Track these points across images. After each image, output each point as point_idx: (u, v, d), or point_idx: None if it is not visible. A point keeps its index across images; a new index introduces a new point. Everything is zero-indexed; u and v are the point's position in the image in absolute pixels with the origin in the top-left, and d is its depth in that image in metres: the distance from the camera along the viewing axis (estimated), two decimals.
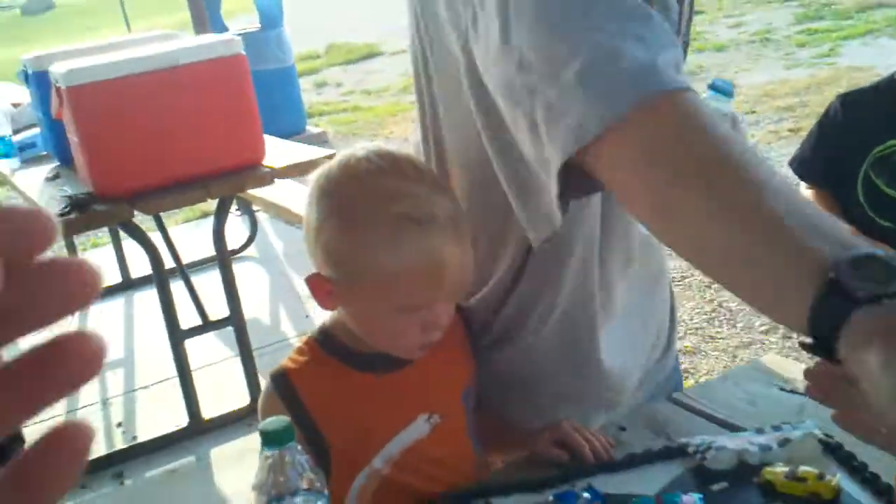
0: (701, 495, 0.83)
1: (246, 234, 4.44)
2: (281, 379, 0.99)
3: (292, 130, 5.16)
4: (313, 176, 0.95)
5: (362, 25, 12.37)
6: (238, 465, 2.76)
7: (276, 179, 2.71)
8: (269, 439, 0.77)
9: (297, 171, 2.70)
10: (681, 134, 0.62)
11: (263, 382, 3.71)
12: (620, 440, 1.11)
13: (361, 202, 0.90)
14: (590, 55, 0.66)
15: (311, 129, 6.31)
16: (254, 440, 3.08)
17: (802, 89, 6.01)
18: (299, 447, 0.79)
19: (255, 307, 3.68)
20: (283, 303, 4.04)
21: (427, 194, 0.91)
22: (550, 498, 0.84)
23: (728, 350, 3.10)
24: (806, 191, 1.64)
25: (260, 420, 1.01)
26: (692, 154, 0.61)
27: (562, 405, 1.09)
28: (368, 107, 7.98)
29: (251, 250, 4.52)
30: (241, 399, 3.04)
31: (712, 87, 1.17)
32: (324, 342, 1.01)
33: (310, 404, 0.98)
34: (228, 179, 2.66)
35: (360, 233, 0.90)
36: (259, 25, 5.78)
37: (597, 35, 0.68)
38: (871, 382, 0.48)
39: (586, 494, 0.84)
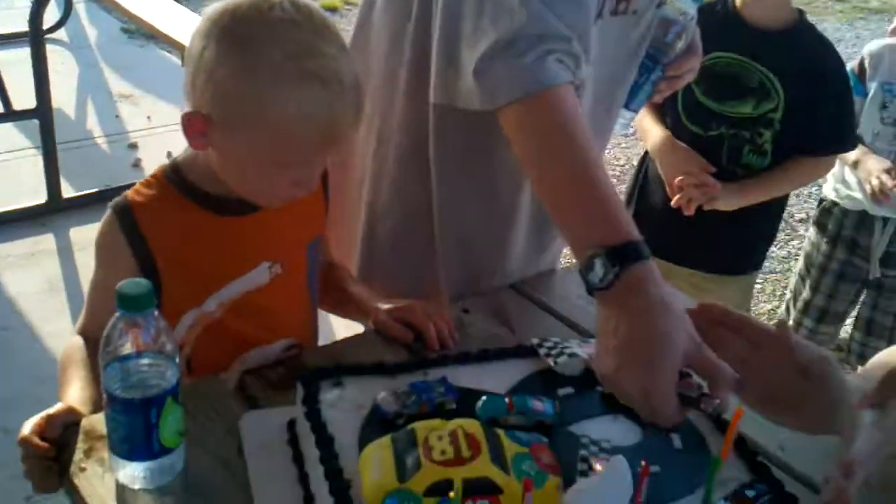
0: (551, 401, 0.85)
1: (57, 14, 3.94)
2: (123, 210, 0.96)
3: None
4: (213, 8, 0.90)
5: None
6: (27, 265, 2.57)
7: None
8: (127, 303, 0.70)
9: None
10: (552, 122, 0.92)
11: (64, 181, 3.39)
12: (464, 322, 1.12)
13: (269, 50, 0.86)
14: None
15: None
16: (47, 241, 2.86)
17: None
18: (156, 313, 0.74)
19: (60, 98, 3.34)
20: (93, 97, 3.72)
21: (337, 56, 0.89)
22: (406, 387, 0.83)
23: None
24: None
25: (96, 250, 1.00)
26: (554, 138, 0.91)
27: None
28: None
29: (61, 33, 4.07)
30: (37, 196, 2.81)
31: None
32: (173, 178, 0.98)
33: (150, 238, 0.95)
34: None
35: (263, 81, 0.86)
36: None
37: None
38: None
39: (441, 388, 0.83)
